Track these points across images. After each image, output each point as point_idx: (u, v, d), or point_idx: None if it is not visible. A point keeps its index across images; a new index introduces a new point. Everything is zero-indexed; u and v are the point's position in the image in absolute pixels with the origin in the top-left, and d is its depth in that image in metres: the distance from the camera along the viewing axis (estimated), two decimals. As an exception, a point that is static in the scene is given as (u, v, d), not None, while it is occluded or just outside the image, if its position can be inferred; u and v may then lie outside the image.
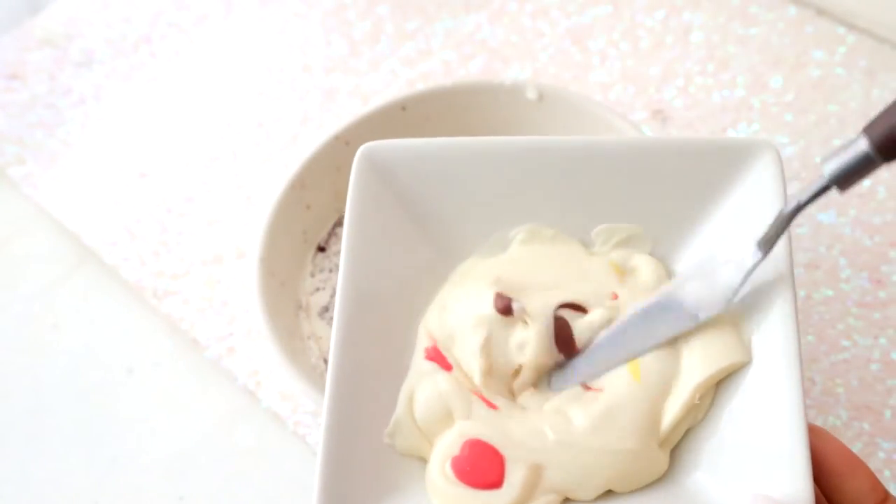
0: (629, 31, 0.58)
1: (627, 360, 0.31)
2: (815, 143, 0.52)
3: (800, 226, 0.49)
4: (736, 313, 0.30)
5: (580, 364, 0.31)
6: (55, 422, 0.47)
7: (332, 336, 0.30)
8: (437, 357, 0.31)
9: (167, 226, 0.53)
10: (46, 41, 0.62)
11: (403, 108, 0.47)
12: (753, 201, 0.31)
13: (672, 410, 0.30)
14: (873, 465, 0.42)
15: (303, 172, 0.45)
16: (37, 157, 0.57)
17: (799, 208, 0.29)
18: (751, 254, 0.30)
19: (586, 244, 0.34)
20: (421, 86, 0.57)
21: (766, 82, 0.54)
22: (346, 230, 0.31)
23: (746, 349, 0.30)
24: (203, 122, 0.57)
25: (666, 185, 0.32)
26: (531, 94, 0.46)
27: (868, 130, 0.27)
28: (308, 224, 0.46)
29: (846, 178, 0.28)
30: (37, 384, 0.49)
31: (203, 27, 0.62)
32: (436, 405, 0.30)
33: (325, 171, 0.46)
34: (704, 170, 0.32)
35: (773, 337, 0.29)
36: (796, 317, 0.29)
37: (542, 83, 0.46)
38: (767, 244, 0.29)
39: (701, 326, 0.30)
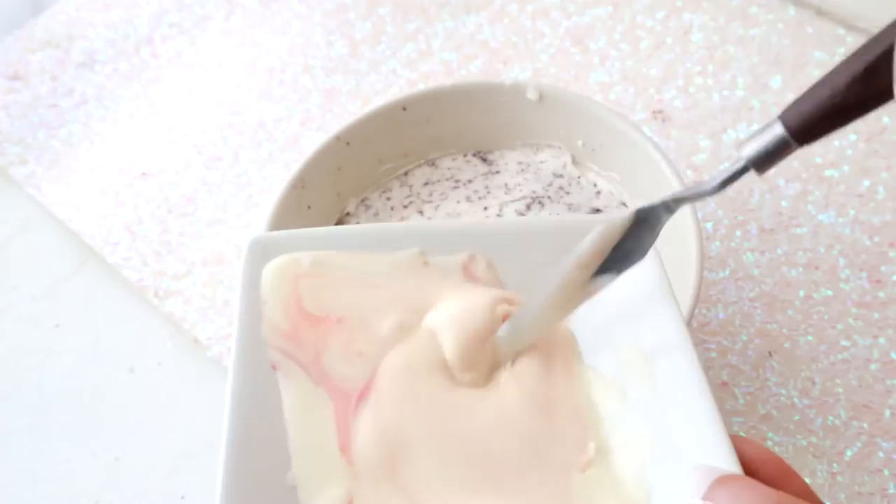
0: (629, 32, 0.58)
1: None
2: (814, 143, 0.52)
3: (800, 226, 0.49)
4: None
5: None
6: (57, 421, 0.47)
7: (228, 388, 0.29)
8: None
9: (169, 226, 0.53)
10: (48, 42, 0.63)
11: (404, 109, 0.47)
12: (637, 279, 0.32)
13: None
14: (873, 464, 0.42)
15: (304, 173, 0.45)
16: (39, 157, 0.57)
17: (715, 190, 0.30)
18: (659, 216, 0.30)
19: None
20: (422, 86, 0.57)
21: (766, 82, 0.54)
22: (237, 321, 0.31)
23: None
24: (204, 123, 0.58)
25: (546, 259, 0.32)
26: (531, 95, 0.46)
27: (783, 116, 0.28)
28: (308, 224, 0.46)
29: (763, 160, 0.29)
30: (39, 384, 0.49)
31: (204, 28, 0.62)
32: (308, 429, 0.29)
33: (326, 171, 0.46)
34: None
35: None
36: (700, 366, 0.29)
37: (543, 83, 0.46)
38: (675, 206, 0.30)
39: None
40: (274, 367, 0.30)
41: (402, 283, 0.32)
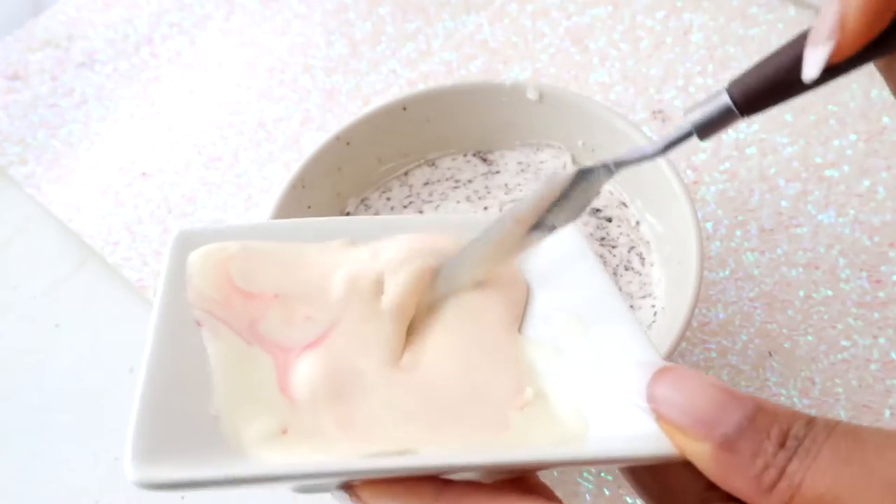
0: (629, 32, 0.58)
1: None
2: (815, 143, 0.52)
3: (800, 226, 0.49)
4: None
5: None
6: (58, 421, 0.47)
7: (147, 345, 0.28)
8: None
9: (169, 226, 0.53)
10: (48, 42, 0.63)
11: (404, 109, 0.47)
12: (560, 248, 0.33)
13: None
14: (872, 464, 0.42)
15: (303, 173, 0.45)
16: (39, 157, 0.57)
17: (657, 153, 0.31)
18: (600, 174, 0.32)
19: None
20: (422, 86, 0.57)
21: (766, 82, 0.54)
22: (158, 296, 0.29)
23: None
24: (204, 123, 0.58)
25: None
26: (531, 95, 0.46)
27: (729, 88, 0.30)
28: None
29: (707, 127, 0.31)
30: (39, 384, 0.49)
31: (204, 28, 0.62)
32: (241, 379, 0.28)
33: (326, 171, 0.46)
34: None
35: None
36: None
37: (543, 83, 0.46)
38: (615, 168, 0.32)
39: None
40: (199, 324, 0.29)
41: (336, 258, 0.32)
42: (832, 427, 0.23)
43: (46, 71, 0.61)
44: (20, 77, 0.61)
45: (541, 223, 0.31)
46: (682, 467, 0.27)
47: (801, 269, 0.48)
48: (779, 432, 0.23)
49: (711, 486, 0.27)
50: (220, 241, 0.31)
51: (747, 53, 0.56)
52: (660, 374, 0.25)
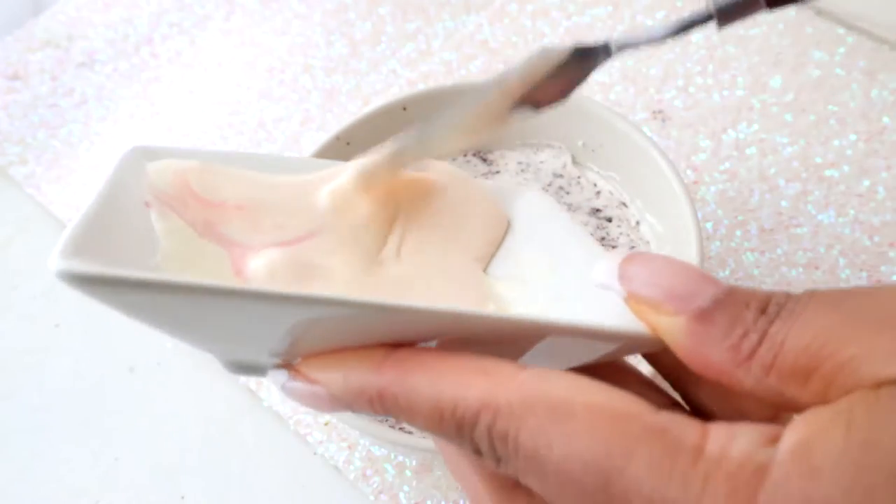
0: (629, 32, 0.58)
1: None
2: (815, 143, 0.52)
3: (800, 226, 0.49)
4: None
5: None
6: (57, 421, 0.47)
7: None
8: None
9: (169, 226, 0.53)
10: (48, 42, 0.63)
11: (404, 109, 0.47)
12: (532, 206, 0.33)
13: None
14: (873, 464, 0.42)
15: (304, 173, 0.45)
16: (39, 157, 0.57)
17: (667, 35, 0.30)
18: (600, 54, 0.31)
19: None
20: (422, 86, 0.57)
21: (766, 82, 0.54)
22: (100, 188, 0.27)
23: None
24: (204, 123, 0.58)
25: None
26: (531, 95, 0.46)
27: None
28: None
29: (730, 11, 0.31)
30: (39, 384, 0.49)
31: (204, 28, 0.62)
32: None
33: (326, 171, 0.46)
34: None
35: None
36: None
37: (543, 84, 0.46)
38: (616, 50, 0.31)
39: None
40: (147, 206, 0.26)
41: (316, 178, 0.30)
42: (815, 292, 0.21)
43: (46, 71, 0.61)
44: (20, 77, 0.61)
45: (527, 99, 0.29)
46: (633, 383, 0.26)
47: (801, 269, 0.48)
48: (758, 303, 0.22)
49: (664, 405, 0.26)
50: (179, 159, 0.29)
51: (747, 53, 0.56)
52: (632, 255, 0.24)
